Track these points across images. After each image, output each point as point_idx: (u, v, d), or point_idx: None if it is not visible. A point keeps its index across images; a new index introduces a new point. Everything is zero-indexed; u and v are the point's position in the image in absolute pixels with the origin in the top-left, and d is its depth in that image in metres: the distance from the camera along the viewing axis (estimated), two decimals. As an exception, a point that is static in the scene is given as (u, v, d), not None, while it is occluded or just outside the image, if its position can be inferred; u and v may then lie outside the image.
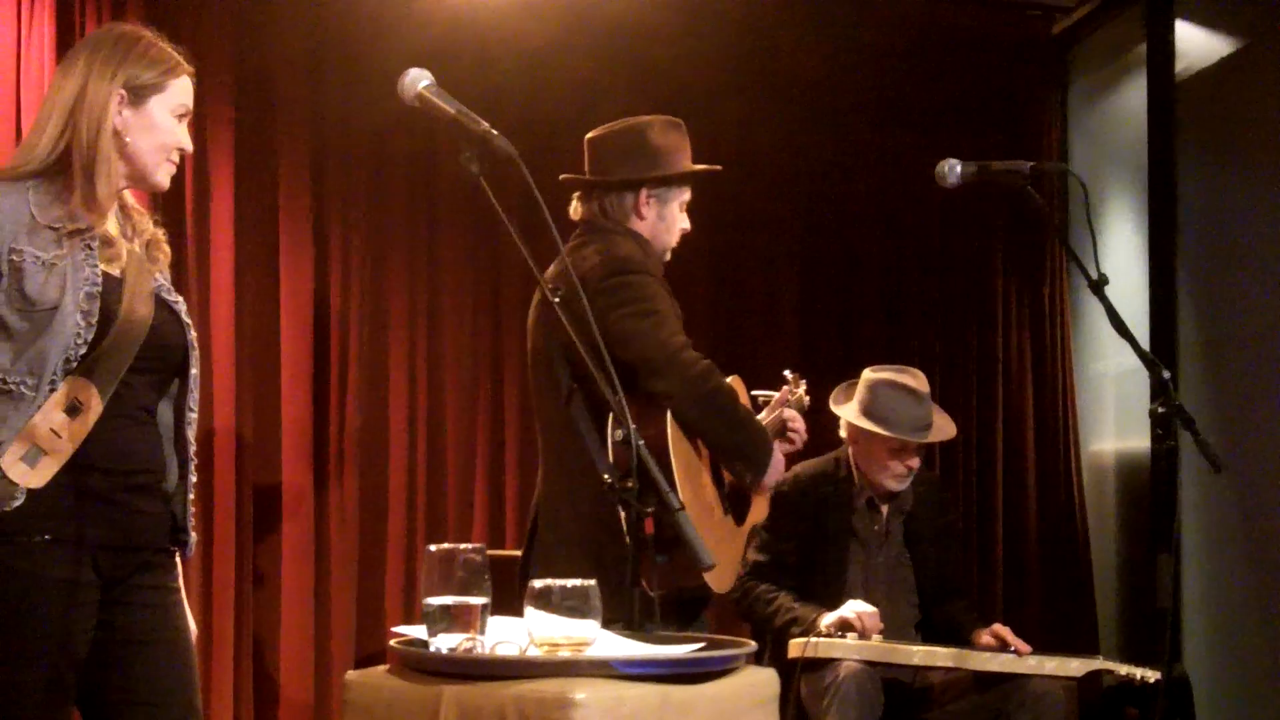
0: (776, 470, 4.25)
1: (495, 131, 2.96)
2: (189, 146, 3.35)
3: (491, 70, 6.67)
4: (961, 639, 5.31)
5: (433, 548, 2.69)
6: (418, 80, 3.08)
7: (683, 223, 4.47)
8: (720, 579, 4.08)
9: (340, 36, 6.54)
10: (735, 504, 4.36)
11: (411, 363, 6.61)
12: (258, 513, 6.26)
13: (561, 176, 4.49)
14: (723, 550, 4.09)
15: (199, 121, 3.42)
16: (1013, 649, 5.09)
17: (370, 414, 6.51)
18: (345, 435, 6.45)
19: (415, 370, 6.62)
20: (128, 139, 3.24)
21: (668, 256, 4.50)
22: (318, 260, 6.45)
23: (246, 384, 6.25)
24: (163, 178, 3.32)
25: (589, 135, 4.50)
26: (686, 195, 4.48)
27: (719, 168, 4.55)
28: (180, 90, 3.30)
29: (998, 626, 5.23)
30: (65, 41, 5.81)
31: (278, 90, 6.44)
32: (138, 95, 3.24)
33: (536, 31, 6.74)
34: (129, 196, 3.39)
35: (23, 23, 5.81)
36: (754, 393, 4.62)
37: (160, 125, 3.27)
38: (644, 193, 4.38)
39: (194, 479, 3.38)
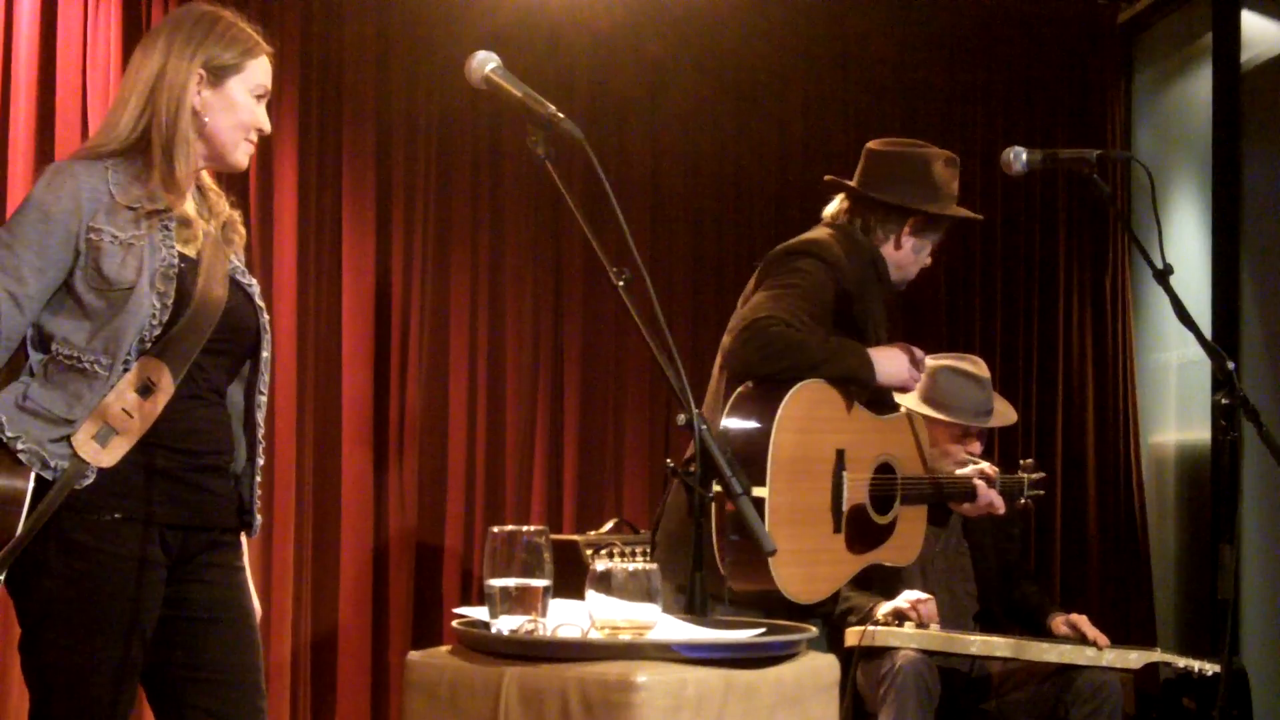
0: (898, 372, 4.19)
1: (562, 114, 2.96)
2: (267, 127, 3.36)
3: (560, 53, 6.70)
4: (1038, 622, 5.30)
5: (495, 529, 2.69)
6: (485, 62, 3.07)
7: (926, 261, 4.50)
8: (800, 589, 3.91)
9: (407, 21, 6.56)
10: (861, 531, 4.20)
11: (472, 346, 6.63)
12: (318, 493, 6.30)
13: (826, 178, 4.52)
14: (806, 563, 3.96)
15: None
16: (1092, 640, 5.08)
17: (431, 397, 6.54)
18: (405, 417, 6.48)
19: (476, 353, 6.64)
20: (206, 119, 3.25)
21: (902, 289, 4.55)
22: (380, 243, 6.48)
23: (309, 366, 6.28)
24: (241, 157, 3.33)
25: (870, 145, 4.48)
26: (940, 236, 4.48)
27: (981, 217, 4.57)
28: (259, 71, 3.31)
29: (1075, 616, 5.21)
30: (132, 27, 5.85)
31: (344, 74, 6.46)
32: (217, 75, 3.25)
33: (605, 14, 6.75)
34: (207, 178, 3.40)
35: (89, 8, 5.85)
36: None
37: (239, 105, 3.28)
38: (911, 223, 4.37)
39: (261, 461, 3.40)
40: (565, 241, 6.81)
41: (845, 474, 4.08)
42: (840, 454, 4.07)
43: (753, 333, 3.97)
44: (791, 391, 3.93)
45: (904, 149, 4.45)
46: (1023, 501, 5.02)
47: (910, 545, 4.42)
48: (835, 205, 4.47)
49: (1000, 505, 4.76)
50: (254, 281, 3.39)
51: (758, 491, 3.82)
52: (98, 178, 3.17)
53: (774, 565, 3.77)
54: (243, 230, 3.43)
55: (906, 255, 4.41)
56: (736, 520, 3.61)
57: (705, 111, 7.06)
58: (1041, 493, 5.04)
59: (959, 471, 4.77)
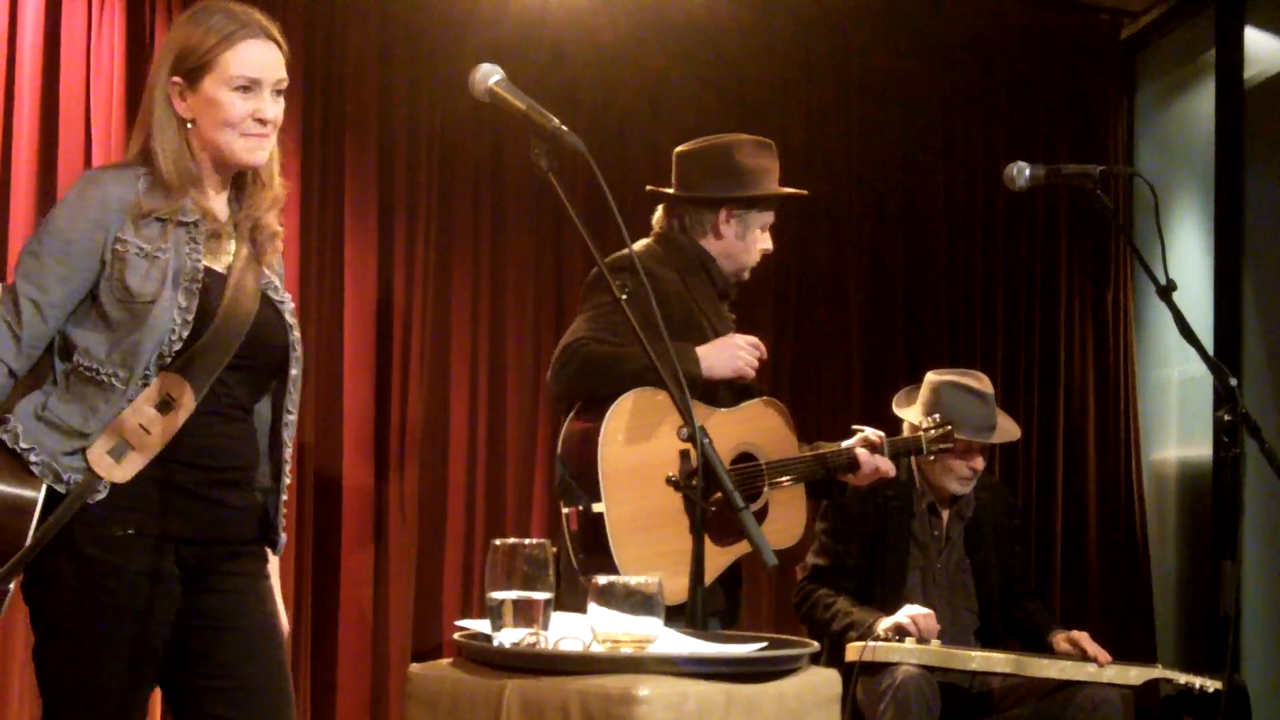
0: (728, 361, 4.27)
1: (565, 127, 2.95)
2: (266, 113, 3.22)
3: (563, 66, 6.69)
4: (1039, 639, 5.30)
5: (497, 542, 2.69)
6: (489, 75, 3.07)
7: (764, 243, 4.55)
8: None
9: (409, 34, 6.54)
10: (727, 523, 4.21)
11: (474, 358, 6.62)
12: (319, 505, 6.28)
13: (647, 188, 4.62)
14: (667, 565, 3.80)
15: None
16: (1093, 657, 5.09)
17: (432, 409, 6.52)
18: (406, 429, 6.46)
19: (477, 366, 6.62)
20: (192, 124, 3.20)
21: (745, 276, 4.59)
22: (382, 256, 6.46)
23: (310, 377, 6.26)
24: (243, 154, 3.22)
25: (677, 150, 4.60)
26: (769, 217, 4.55)
27: (804, 192, 4.62)
28: (235, 61, 3.19)
29: (1076, 634, 5.21)
30: (135, 35, 5.85)
31: (346, 87, 6.45)
32: (191, 79, 3.18)
33: (607, 27, 6.74)
34: (255, 188, 3.35)
35: (93, 16, 5.84)
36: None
37: (219, 103, 3.17)
38: (724, 212, 4.46)
39: (289, 480, 3.38)
40: (567, 254, 6.79)
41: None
42: (685, 454, 4.06)
43: (566, 357, 4.14)
44: (613, 405, 4.06)
45: (706, 144, 4.56)
46: (931, 458, 5.14)
47: (790, 527, 4.46)
48: (657, 214, 4.60)
49: (889, 469, 4.64)
50: (287, 298, 3.36)
51: (596, 507, 3.97)
52: (128, 187, 3.15)
53: (625, 574, 3.76)
54: (279, 244, 3.37)
55: (732, 243, 4.50)
56: (585, 537, 3.87)
57: (707, 123, 7.02)
58: (950, 445, 4.98)
59: (843, 444, 4.65)
